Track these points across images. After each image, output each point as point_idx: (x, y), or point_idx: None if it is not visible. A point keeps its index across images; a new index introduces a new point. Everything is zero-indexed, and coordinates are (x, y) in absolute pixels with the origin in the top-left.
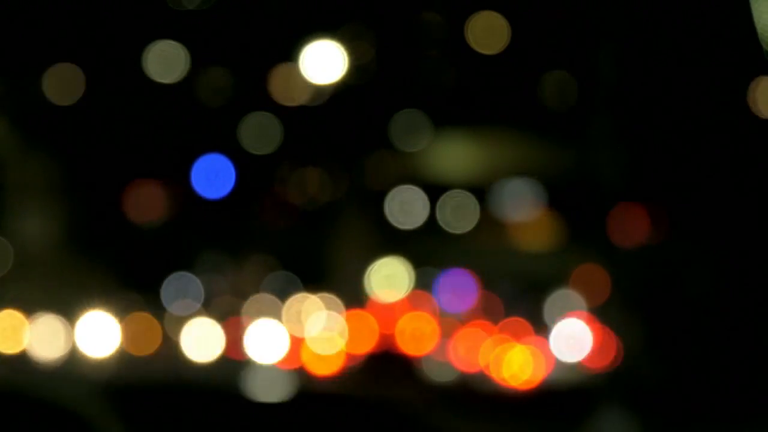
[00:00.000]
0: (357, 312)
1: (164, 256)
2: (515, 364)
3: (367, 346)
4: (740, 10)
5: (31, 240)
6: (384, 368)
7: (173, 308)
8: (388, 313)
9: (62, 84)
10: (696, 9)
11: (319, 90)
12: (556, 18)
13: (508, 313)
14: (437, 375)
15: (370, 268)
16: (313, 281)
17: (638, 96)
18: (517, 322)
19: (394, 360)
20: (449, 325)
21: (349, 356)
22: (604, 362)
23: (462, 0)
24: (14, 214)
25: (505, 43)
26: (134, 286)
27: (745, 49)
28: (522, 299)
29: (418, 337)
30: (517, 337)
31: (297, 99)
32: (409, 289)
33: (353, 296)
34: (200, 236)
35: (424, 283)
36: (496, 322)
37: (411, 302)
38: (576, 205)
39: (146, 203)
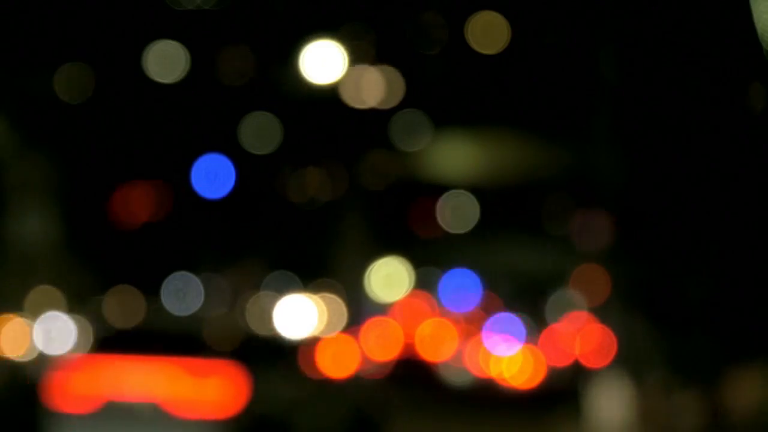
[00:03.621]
0: (379, 319)
1: (164, 256)
2: (516, 364)
3: (390, 353)
4: (740, 10)
5: (30, 240)
6: (406, 374)
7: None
8: (410, 320)
9: (65, 84)
10: (696, 9)
11: (319, 89)
12: (556, 18)
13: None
14: (455, 379)
15: (370, 268)
16: (313, 281)
17: (638, 96)
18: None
19: (415, 366)
20: (464, 330)
21: (363, 359)
22: (604, 362)
23: (462, 0)
24: (14, 214)
25: (505, 43)
26: (132, 285)
27: (745, 49)
28: (522, 299)
29: (437, 344)
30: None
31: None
32: (410, 289)
33: (364, 299)
34: (200, 236)
35: (424, 283)
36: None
37: (431, 308)
38: (576, 205)
39: (145, 203)
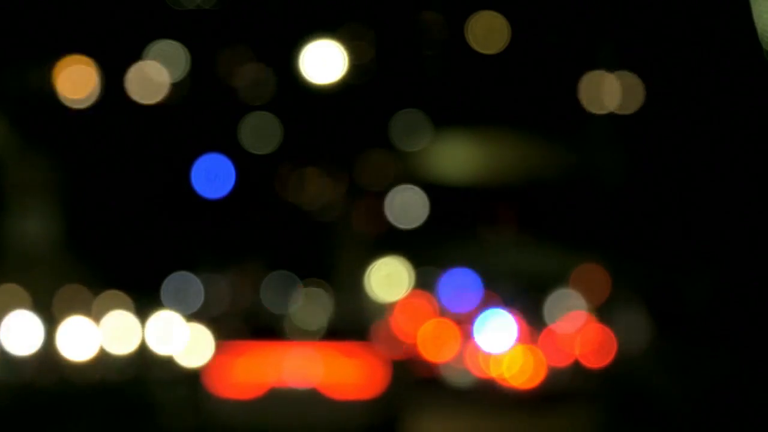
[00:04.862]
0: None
1: (164, 256)
2: (516, 365)
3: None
4: (740, 10)
5: (31, 240)
6: (409, 375)
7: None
8: (412, 320)
9: (64, 84)
10: (696, 9)
11: (319, 89)
12: (555, 18)
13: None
14: (457, 380)
15: (369, 267)
16: (313, 280)
17: (638, 96)
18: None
19: (418, 367)
20: (465, 330)
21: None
22: (603, 362)
23: (462, 0)
24: (14, 214)
25: (505, 43)
26: (133, 285)
27: (745, 49)
28: (522, 298)
29: (439, 345)
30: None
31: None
32: (409, 289)
33: (365, 299)
34: (200, 236)
35: (424, 283)
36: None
37: (432, 308)
38: (576, 205)
39: (146, 202)
